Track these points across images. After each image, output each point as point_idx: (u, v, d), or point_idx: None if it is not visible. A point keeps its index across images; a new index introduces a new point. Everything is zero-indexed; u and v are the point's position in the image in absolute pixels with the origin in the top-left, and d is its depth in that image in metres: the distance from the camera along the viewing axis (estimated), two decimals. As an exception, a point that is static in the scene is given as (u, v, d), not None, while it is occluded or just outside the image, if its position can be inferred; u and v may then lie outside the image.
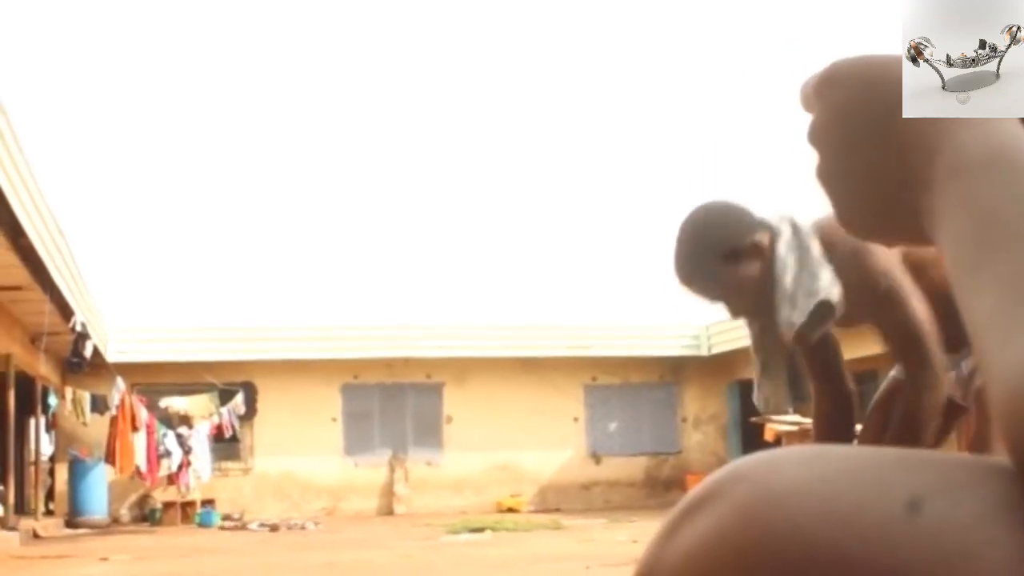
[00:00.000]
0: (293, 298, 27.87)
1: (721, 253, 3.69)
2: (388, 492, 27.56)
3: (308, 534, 19.97)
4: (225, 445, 26.09)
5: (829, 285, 3.64)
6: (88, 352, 19.90)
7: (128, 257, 28.46)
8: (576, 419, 28.79)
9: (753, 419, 13.04)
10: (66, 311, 19.17)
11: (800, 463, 0.76)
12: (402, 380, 27.94)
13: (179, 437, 23.88)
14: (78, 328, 19.45)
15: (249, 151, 32.09)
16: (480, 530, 17.90)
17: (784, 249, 3.67)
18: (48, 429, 25.91)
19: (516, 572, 10.99)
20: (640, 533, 16.63)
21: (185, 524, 23.87)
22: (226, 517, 24.32)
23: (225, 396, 26.11)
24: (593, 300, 29.26)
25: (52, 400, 24.61)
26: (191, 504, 24.68)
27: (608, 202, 32.65)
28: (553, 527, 18.91)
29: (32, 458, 25.62)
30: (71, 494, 25.24)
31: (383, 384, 27.86)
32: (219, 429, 25.03)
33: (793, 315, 3.67)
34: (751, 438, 25.82)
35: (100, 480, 24.93)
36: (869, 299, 3.67)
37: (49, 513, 25.30)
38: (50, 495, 26.56)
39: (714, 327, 28.38)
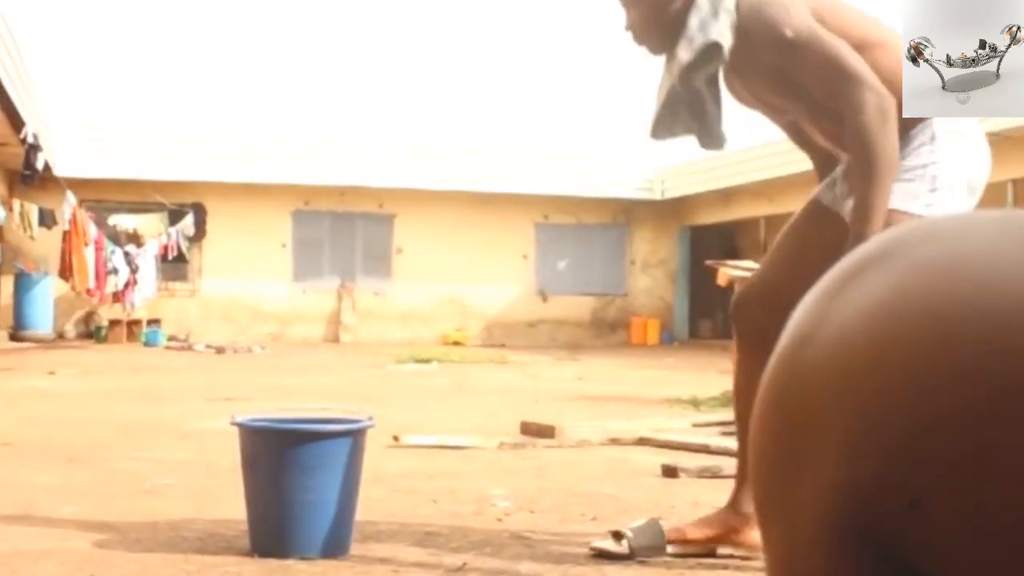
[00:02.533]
0: (248, 108, 27.47)
1: None
2: (335, 320, 27.60)
3: (255, 357, 20.02)
4: (173, 265, 25.96)
5: (723, 30, 3.62)
6: (40, 165, 19.63)
7: (78, 64, 27.92)
8: (525, 256, 28.81)
9: (708, 263, 13.09)
10: (16, 122, 18.85)
11: (989, 225, 0.71)
12: (353, 209, 27.81)
13: (126, 255, 23.72)
14: (29, 140, 19.16)
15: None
16: (427, 361, 18.00)
17: (695, 10, 3.65)
18: (-6, 242, 25.67)
19: (465, 402, 11.06)
20: (586, 371, 16.81)
21: (131, 342, 23.86)
22: (171, 338, 24.32)
23: (175, 217, 25.93)
24: (551, 134, 29.04)
25: (-1, 212, 24.36)
26: (136, 323, 24.65)
27: (572, 42, 32.39)
28: (499, 362, 19.05)
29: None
30: (15, 308, 25.11)
31: (334, 212, 27.72)
32: (167, 249, 24.89)
33: (684, 53, 3.66)
34: (700, 284, 26.03)
35: (46, 295, 24.80)
36: (780, 50, 3.59)
37: (-7, 325, 25.20)
38: (-6, 308, 26.43)
39: (669, 171, 28.35)
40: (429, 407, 10.47)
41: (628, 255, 29.90)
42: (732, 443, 6.76)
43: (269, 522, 3.76)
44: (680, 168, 27.99)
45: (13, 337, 23.97)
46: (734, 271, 11.59)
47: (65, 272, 21.72)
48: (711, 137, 4.01)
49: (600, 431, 7.65)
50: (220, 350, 21.53)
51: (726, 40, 3.63)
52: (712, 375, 13.26)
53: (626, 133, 29.75)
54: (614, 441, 7.45)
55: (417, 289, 27.67)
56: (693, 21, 3.64)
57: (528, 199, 28.08)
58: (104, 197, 25.74)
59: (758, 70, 3.71)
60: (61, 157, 24.51)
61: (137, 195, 26.11)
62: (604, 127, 29.67)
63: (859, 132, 3.47)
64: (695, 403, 10.49)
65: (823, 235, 3.74)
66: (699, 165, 26.76)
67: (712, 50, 3.65)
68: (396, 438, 7.14)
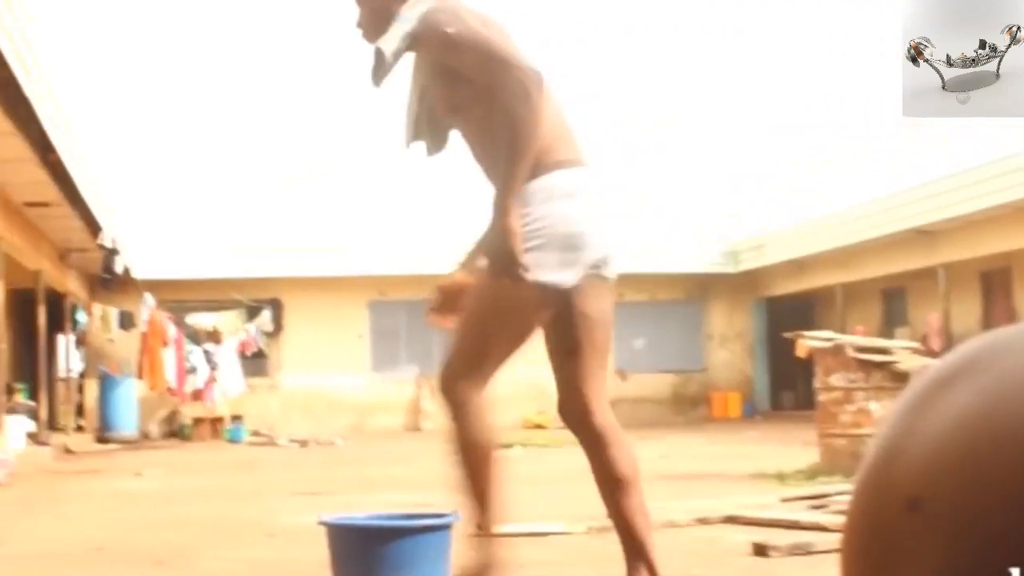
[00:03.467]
0: (321, 214, 27.76)
1: None
2: (415, 408, 27.66)
3: (337, 450, 20.07)
4: (253, 361, 26.17)
5: (391, 39, 3.91)
6: (119, 268, 19.93)
7: (154, 172, 28.38)
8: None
9: (786, 335, 12.99)
10: (94, 227, 19.19)
11: None
12: (428, 296, 27.86)
13: (206, 354, 23.95)
14: (107, 244, 19.48)
15: (276, 70, 31.99)
16: (509, 446, 17.93)
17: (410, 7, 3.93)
18: (77, 346, 26.02)
19: (550, 486, 11.01)
20: (669, 449, 16.67)
21: (215, 440, 24.02)
22: (254, 433, 24.46)
23: (252, 313, 26.17)
24: (619, 217, 29.05)
25: (81, 316, 24.71)
26: (219, 420, 24.82)
27: (633, 119, 32.46)
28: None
29: (62, 374, 25.78)
30: (101, 410, 25.41)
31: (410, 301, 27.85)
32: (246, 345, 25.11)
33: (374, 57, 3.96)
34: (780, 355, 25.82)
35: (129, 396, 25.07)
36: (445, 47, 3.84)
37: (80, 429, 25.47)
38: (80, 411, 26.73)
39: (742, 243, 28.28)
40: (513, 493, 10.42)
41: (704, 330, 29.77)
42: (822, 518, 6.68)
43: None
44: (753, 240, 27.92)
45: (100, 439, 24.23)
46: (814, 342, 11.48)
47: (141, 372, 21.96)
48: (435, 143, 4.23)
49: (686, 511, 7.57)
50: (303, 443, 21.61)
51: (388, 46, 3.89)
52: (796, 447, 13.13)
53: (696, 207, 29.70)
54: (701, 521, 7.37)
55: (496, 374, 27.65)
56: (396, 24, 3.91)
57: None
58: (182, 297, 26.05)
59: (435, 72, 3.93)
60: (139, 260, 24.86)
61: (214, 293, 26.41)
62: (672, 203, 29.59)
63: (513, 109, 3.66)
64: (781, 477, 10.37)
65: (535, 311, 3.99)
66: (772, 236, 26.69)
67: (377, 55, 3.92)
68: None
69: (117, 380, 25.04)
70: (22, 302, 23.70)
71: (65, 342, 24.74)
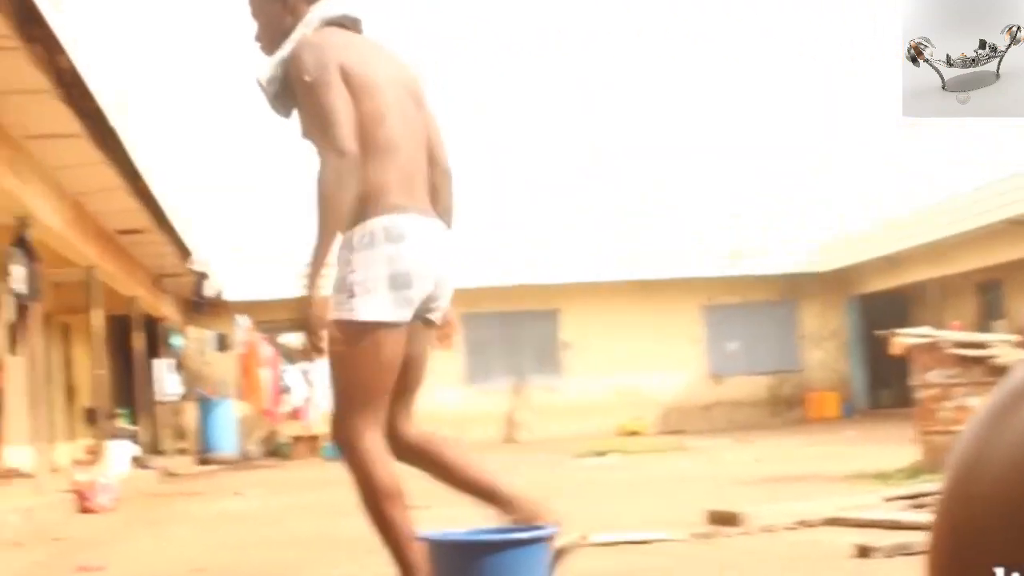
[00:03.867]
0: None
1: None
2: (510, 419, 27.71)
3: (434, 463, 20.09)
4: (349, 379, 26.33)
5: (268, 66, 4.22)
6: (210, 292, 20.18)
7: (239, 193, 28.70)
8: (695, 340, 28.68)
9: (879, 333, 12.83)
10: (185, 252, 19.44)
11: None
12: (520, 308, 27.99)
13: (302, 373, 24.14)
14: (198, 268, 19.73)
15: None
16: (605, 454, 17.91)
17: (304, 23, 4.20)
18: (175, 369, 26.34)
19: (648, 493, 10.98)
20: (766, 452, 16.56)
21: (312, 458, 24.18)
22: (352, 449, 24.57)
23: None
24: (708, 219, 28.96)
25: (176, 340, 25.03)
26: (317, 438, 24.99)
27: (720, 117, 32.37)
28: (678, 448, 18.88)
29: (160, 398, 26.12)
30: (201, 432, 25.72)
31: (502, 312, 27.94)
32: (340, 363, 25.27)
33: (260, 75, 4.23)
34: (876, 353, 25.52)
35: (228, 417, 25.36)
36: (300, 88, 4.09)
37: (181, 451, 25.78)
38: (180, 434, 27.05)
39: (832, 242, 28.05)
40: (613, 501, 10.40)
41: (798, 330, 29.53)
42: (924, 517, 6.59)
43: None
44: (844, 238, 27.66)
45: (201, 461, 24.51)
46: (909, 339, 11.34)
47: (243, 394, 22.18)
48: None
49: (786, 514, 7.50)
50: (400, 458, 21.67)
51: (264, 75, 4.17)
52: (896, 446, 12.97)
53: (786, 208, 29.49)
54: (802, 523, 7.30)
55: (590, 382, 27.68)
56: (285, 45, 4.16)
57: (692, 283, 27.99)
58: (274, 317, 26.25)
59: (296, 103, 4.16)
60: (230, 282, 25.17)
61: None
62: (761, 204, 29.41)
63: (320, 184, 3.97)
64: (882, 477, 10.25)
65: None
66: (863, 234, 26.43)
67: (258, 83, 4.19)
68: (584, 536, 7.08)
69: (215, 402, 25.34)
70: (119, 328, 24.05)
71: (162, 366, 25.07)
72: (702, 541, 7.01)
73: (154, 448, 23.40)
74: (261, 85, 4.20)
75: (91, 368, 18.52)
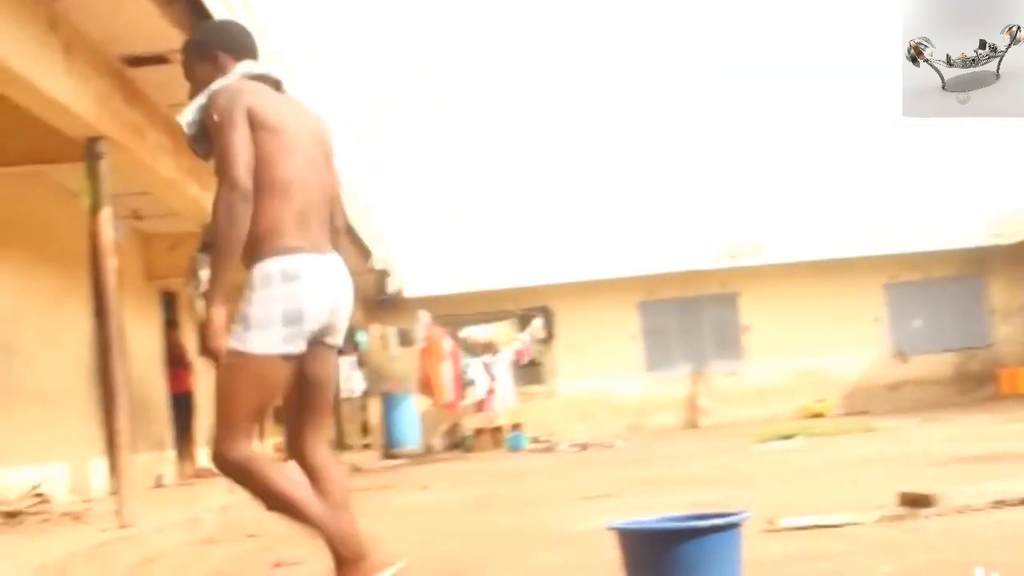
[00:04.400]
0: (583, 217, 27.95)
1: (195, 41, 4.87)
2: (691, 406, 27.57)
3: (617, 452, 20.11)
4: (527, 370, 26.50)
5: (189, 111, 4.66)
6: (391, 289, 20.45)
7: (418, 189, 29.04)
8: (877, 319, 28.17)
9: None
10: (364, 251, 19.73)
11: None
12: (698, 293, 27.82)
13: (483, 365, 24.34)
14: (379, 266, 20.01)
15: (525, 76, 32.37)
16: (790, 437, 17.70)
17: (227, 77, 4.64)
18: (359, 366, 26.78)
19: (836, 476, 10.81)
20: (956, 431, 16.19)
21: (496, 449, 24.36)
22: (534, 440, 24.69)
23: (524, 322, 26.48)
24: (884, 195, 28.41)
25: (359, 337, 25.43)
26: (500, 429, 25.16)
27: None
28: (864, 430, 18.57)
29: (345, 395, 26.58)
30: (385, 427, 26.10)
31: (679, 298, 27.81)
32: (520, 355, 25.41)
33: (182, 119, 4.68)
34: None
35: (411, 412, 25.69)
36: (210, 128, 4.51)
37: (366, 446, 26.20)
38: (365, 429, 27.49)
39: (1017, 213, 27.29)
40: (799, 485, 10.27)
41: (986, 304, 28.79)
42: None
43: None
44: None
45: (386, 455, 24.88)
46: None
47: (425, 388, 22.42)
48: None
49: (983, 494, 7.33)
50: (583, 447, 21.74)
51: (184, 119, 4.66)
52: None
53: (968, 181, 28.80)
54: (999, 504, 7.12)
55: (771, 365, 27.38)
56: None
57: (872, 261, 27.49)
58: (455, 311, 26.54)
59: (212, 142, 4.53)
60: (411, 279, 25.51)
61: (486, 305, 26.83)
62: (942, 178, 28.75)
63: (214, 215, 4.35)
64: (1080, 453, 9.96)
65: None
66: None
67: (179, 126, 4.70)
68: (771, 522, 7.02)
69: (399, 397, 25.68)
70: (303, 328, 24.50)
71: (346, 363, 25.48)
72: (894, 524, 6.89)
73: (340, 444, 23.80)
74: (182, 128, 4.65)
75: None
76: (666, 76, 32.81)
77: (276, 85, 4.78)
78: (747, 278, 27.52)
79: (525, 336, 25.72)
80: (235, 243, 4.35)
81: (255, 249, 4.44)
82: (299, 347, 4.52)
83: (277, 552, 8.27)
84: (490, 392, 24.31)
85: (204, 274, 12.79)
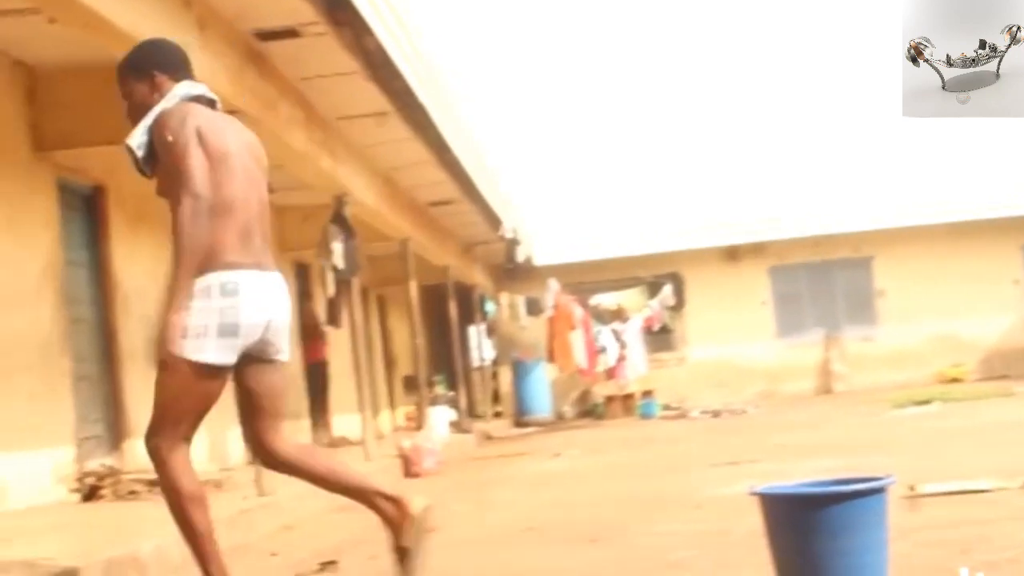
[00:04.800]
0: (711, 185, 27.76)
1: (131, 62, 4.99)
2: (824, 371, 27.27)
3: (749, 418, 19.99)
4: (658, 337, 26.40)
5: (138, 133, 4.79)
6: (521, 258, 20.50)
7: (547, 157, 29.02)
8: (1016, 282, 27.56)
9: None
10: (493, 220, 19.79)
11: None
12: (830, 257, 27.47)
13: (613, 332, 24.29)
14: (508, 235, 20.06)
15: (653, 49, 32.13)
16: (926, 402, 17.43)
17: (167, 98, 4.80)
18: (488, 334, 26.93)
19: (975, 441, 10.64)
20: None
21: (627, 416, 24.33)
22: (666, 407, 24.62)
23: (653, 289, 26.40)
24: (1021, 155, 27.74)
25: (489, 306, 25.55)
26: (631, 396, 25.13)
27: None
28: (1004, 394, 18.21)
29: (475, 364, 26.74)
30: (516, 395, 26.22)
31: (811, 263, 27.49)
32: (651, 322, 25.31)
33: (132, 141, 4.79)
34: None
35: (542, 380, 25.76)
36: (163, 146, 4.65)
37: (497, 415, 26.35)
38: (496, 397, 27.64)
39: None
40: (938, 451, 10.12)
41: None
42: None
43: (803, 590, 3.71)
44: None
45: (517, 423, 25.00)
46: None
47: (551, 356, 22.45)
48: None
49: None
50: (715, 414, 21.63)
51: (134, 141, 4.77)
52: None
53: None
54: None
55: (905, 329, 26.95)
56: (149, 116, 4.77)
57: (1010, 222, 26.89)
58: (585, 279, 26.53)
59: (159, 163, 4.71)
60: (540, 247, 25.56)
61: (616, 272, 26.79)
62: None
63: (175, 223, 4.53)
64: None
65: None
66: None
67: (128, 148, 4.80)
68: (912, 488, 6.92)
69: (529, 365, 25.77)
70: (433, 297, 24.72)
71: (476, 332, 25.63)
72: (1038, 489, 6.75)
73: (471, 412, 23.98)
74: (131, 149, 4.77)
75: (408, 337, 19.06)
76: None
77: (212, 104, 4.97)
78: (882, 241, 27.10)
79: (655, 303, 25.61)
80: (198, 252, 4.55)
81: (199, 263, 4.62)
82: (229, 360, 4.71)
83: (414, 519, 8.34)
84: (621, 360, 24.26)
85: (336, 246, 12.94)
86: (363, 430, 13.37)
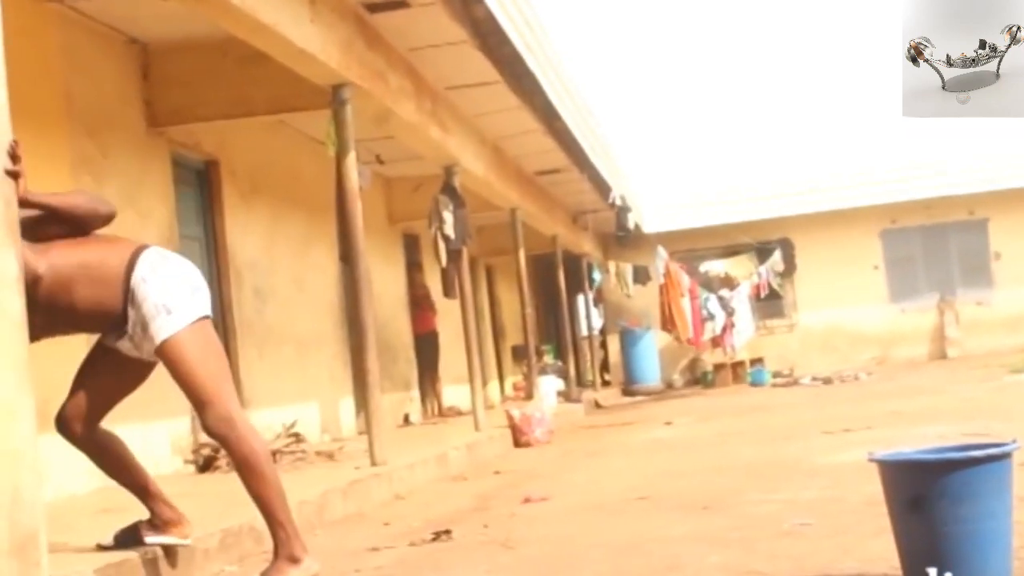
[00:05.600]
0: (822, 146, 27.44)
1: None
2: (939, 336, 26.87)
3: (862, 385, 19.78)
4: (768, 303, 26.19)
5: None
6: (631, 225, 20.43)
7: (655, 125, 28.93)
8: None
9: None
10: (602, 188, 19.72)
11: None
12: (944, 220, 27.01)
13: (720, 300, 24.13)
14: (617, 202, 19.99)
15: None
16: (1021, 371, 17.10)
17: None
18: (596, 303, 26.89)
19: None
20: None
21: (737, 384, 24.21)
22: (776, 374, 24.44)
23: (763, 255, 26.18)
24: None
25: (596, 275, 25.51)
26: (740, 364, 24.98)
27: None
28: (1125, 359, 17.85)
29: (584, 332, 26.72)
30: (624, 364, 26.18)
31: (924, 226, 27.06)
32: (759, 288, 25.12)
33: None
34: None
35: (650, 348, 25.69)
36: None
37: (606, 384, 26.33)
38: (604, 366, 27.62)
39: None
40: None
41: None
42: None
43: (925, 558, 3.66)
44: None
45: (626, 392, 24.97)
46: None
47: (666, 324, 22.36)
48: None
49: None
50: (827, 381, 21.43)
51: None
52: None
53: None
54: None
55: (1022, 293, 26.42)
56: None
57: None
58: (693, 246, 26.39)
59: None
60: (649, 214, 25.46)
61: (724, 239, 26.62)
62: None
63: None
64: None
65: (121, 371, 4.93)
66: None
67: None
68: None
69: (637, 334, 25.71)
70: (541, 266, 24.74)
71: (584, 301, 25.62)
72: None
73: (580, 381, 23.99)
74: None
75: (517, 307, 19.10)
76: None
77: None
78: (997, 203, 26.58)
79: (763, 270, 25.41)
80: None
81: (119, 276, 4.75)
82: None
83: (524, 488, 8.39)
84: (728, 327, 24.10)
85: (447, 216, 12.98)
86: (473, 400, 13.43)
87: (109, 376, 4.95)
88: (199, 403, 4.72)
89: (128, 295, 4.71)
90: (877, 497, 3.96)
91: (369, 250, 10.11)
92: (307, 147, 12.65)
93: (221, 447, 4.89)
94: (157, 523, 5.09)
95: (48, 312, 4.55)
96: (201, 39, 9.74)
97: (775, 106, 28.92)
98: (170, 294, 4.72)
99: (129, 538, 5.07)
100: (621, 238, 21.36)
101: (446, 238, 13.09)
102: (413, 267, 17.91)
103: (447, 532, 6.24)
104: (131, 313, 4.72)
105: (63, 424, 4.93)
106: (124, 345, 4.85)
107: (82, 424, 4.93)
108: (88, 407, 4.94)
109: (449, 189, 13.21)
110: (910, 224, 26.99)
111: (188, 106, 10.34)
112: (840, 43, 30.21)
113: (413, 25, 10.15)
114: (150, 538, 5.07)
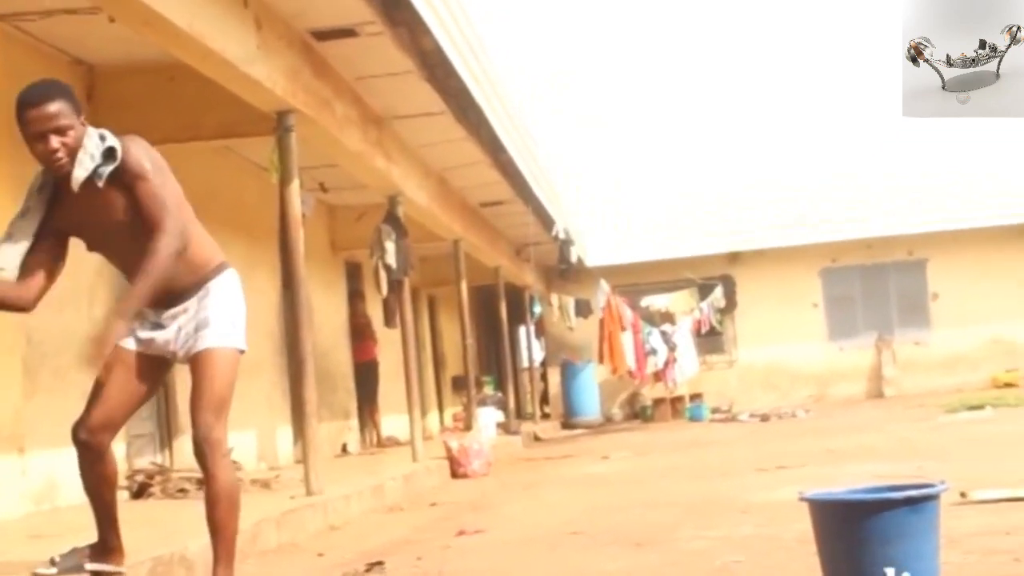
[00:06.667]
0: (767, 187, 27.65)
1: (74, 98, 5.01)
2: (876, 375, 27.07)
3: (799, 422, 19.90)
4: (708, 339, 26.31)
5: (90, 161, 4.83)
6: (574, 258, 20.50)
7: (594, 159, 29.03)
8: (1072, 286, 27.27)
9: None
10: (545, 221, 19.78)
11: None
12: (883, 260, 27.24)
13: (663, 335, 24.21)
14: (561, 235, 20.05)
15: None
16: (980, 407, 17.29)
17: (92, 133, 4.89)
18: (537, 336, 26.92)
19: (1029, 449, 10.55)
20: None
21: (675, 419, 24.28)
22: (715, 410, 24.54)
23: (704, 291, 26.30)
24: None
25: (537, 307, 25.56)
26: (679, 399, 25.06)
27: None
28: (1060, 401, 18.05)
29: (526, 364, 26.74)
30: (564, 396, 26.22)
31: (863, 265, 27.29)
32: (700, 324, 25.23)
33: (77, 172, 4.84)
34: None
35: (590, 381, 25.74)
36: (139, 174, 4.78)
37: (545, 416, 26.34)
38: (544, 399, 27.63)
39: None
40: (990, 457, 10.03)
41: None
42: None
43: (851, 598, 3.70)
44: None
45: (565, 425, 24.99)
46: None
47: (604, 358, 22.41)
48: None
49: None
50: (764, 418, 21.55)
51: (89, 168, 4.82)
52: None
53: None
54: None
55: (959, 333, 26.67)
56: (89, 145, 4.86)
57: (1067, 225, 26.60)
58: (636, 281, 26.46)
59: (121, 187, 4.83)
60: (591, 247, 25.52)
61: (666, 274, 26.72)
62: None
63: (157, 247, 4.65)
64: None
65: (141, 377, 5.01)
66: None
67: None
68: (963, 494, 6.86)
69: (578, 367, 25.75)
70: (485, 297, 24.76)
71: (526, 333, 25.63)
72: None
73: (520, 413, 23.99)
74: (95, 177, 4.83)
75: (458, 338, 19.10)
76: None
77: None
78: (936, 244, 26.84)
79: (704, 305, 25.54)
80: (164, 276, 4.73)
81: (206, 267, 5.00)
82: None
83: (460, 521, 8.37)
84: (670, 362, 24.18)
85: (389, 245, 12.96)
86: (411, 430, 13.39)
87: (132, 383, 5.03)
88: (211, 414, 4.80)
89: (202, 289, 4.95)
90: (809, 535, 3.98)
91: (311, 278, 10.09)
92: (251, 173, 12.62)
93: (200, 467, 4.85)
94: (101, 550, 5.07)
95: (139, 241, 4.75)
96: (148, 62, 9.69)
97: (719, 143, 29.09)
98: (238, 314, 5.03)
99: (71, 564, 5.04)
100: (564, 271, 21.42)
101: (387, 267, 13.08)
102: (355, 296, 17.87)
103: (380, 564, 6.22)
104: (192, 305, 4.94)
105: (91, 434, 4.96)
106: (159, 336, 4.98)
107: (110, 434, 5.01)
108: (117, 415, 5.02)
109: (392, 219, 13.20)
110: (850, 263, 27.22)
111: (133, 129, 10.09)
112: (783, 79, 30.46)
113: (360, 54, 10.17)
114: (89, 564, 5.04)
